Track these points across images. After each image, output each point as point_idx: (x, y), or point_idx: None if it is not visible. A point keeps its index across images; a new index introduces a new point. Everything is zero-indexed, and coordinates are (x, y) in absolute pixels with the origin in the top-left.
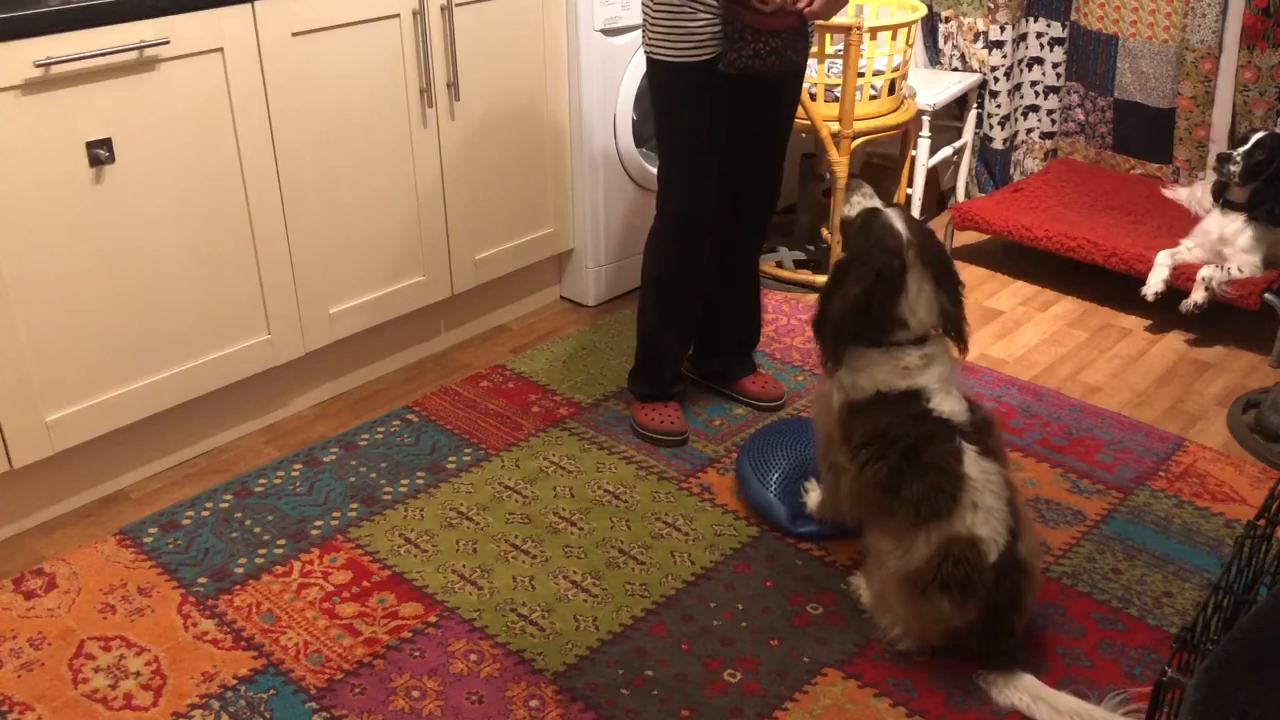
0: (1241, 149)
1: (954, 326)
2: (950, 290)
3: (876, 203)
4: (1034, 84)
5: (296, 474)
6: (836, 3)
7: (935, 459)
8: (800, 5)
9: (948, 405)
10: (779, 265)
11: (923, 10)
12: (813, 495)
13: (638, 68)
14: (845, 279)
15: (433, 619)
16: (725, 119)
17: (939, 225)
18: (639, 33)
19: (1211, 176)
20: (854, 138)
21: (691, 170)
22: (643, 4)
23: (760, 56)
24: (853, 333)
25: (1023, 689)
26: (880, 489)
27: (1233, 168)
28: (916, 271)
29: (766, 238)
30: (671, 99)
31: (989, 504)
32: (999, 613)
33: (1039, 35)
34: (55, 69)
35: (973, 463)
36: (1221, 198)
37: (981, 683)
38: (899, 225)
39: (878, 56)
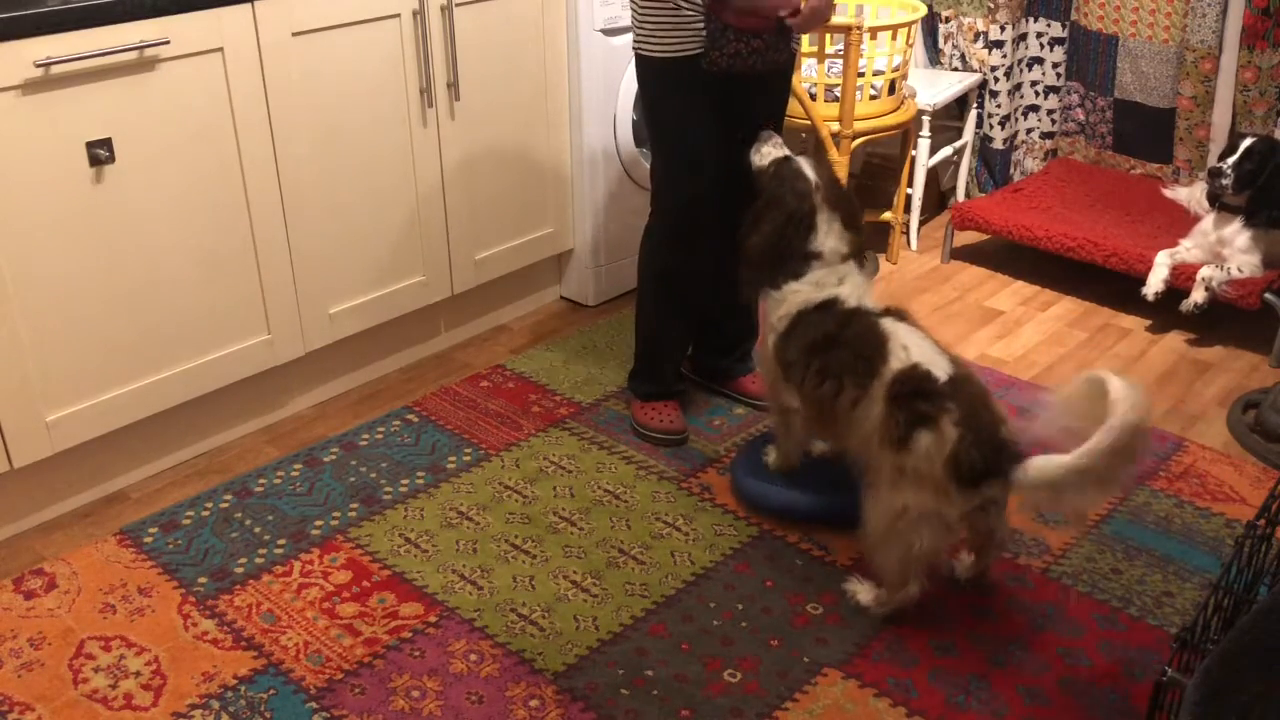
0: (1231, 159)
1: (859, 254)
2: (855, 230)
3: (786, 151)
4: (1034, 84)
5: (296, 474)
6: (820, 18)
7: (855, 331)
8: (784, 14)
9: (865, 301)
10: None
11: (923, 10)
12: (771, 454)
13: None
14: (762, 220)
15: (433, 619)
16: (713, 115)
17: (939, 225)
18: None
19: None
20: (854, 138)
21: (682, 165)
22: (630, 1)
23: (741, 56)
24: (772, 266)
25: (1032, 470)
26: (829, 379)
27: (1225, 181)
28: (825, 213)
29: None
30: (659, 94)
31: (917, 343)
32: (976, 413)
33: (1039, 35)
34: (55, 69)
35: (892, 324)
36: (1218, 201)
37: (1017, 477)
38: (808, 171)
39: (878, 56)
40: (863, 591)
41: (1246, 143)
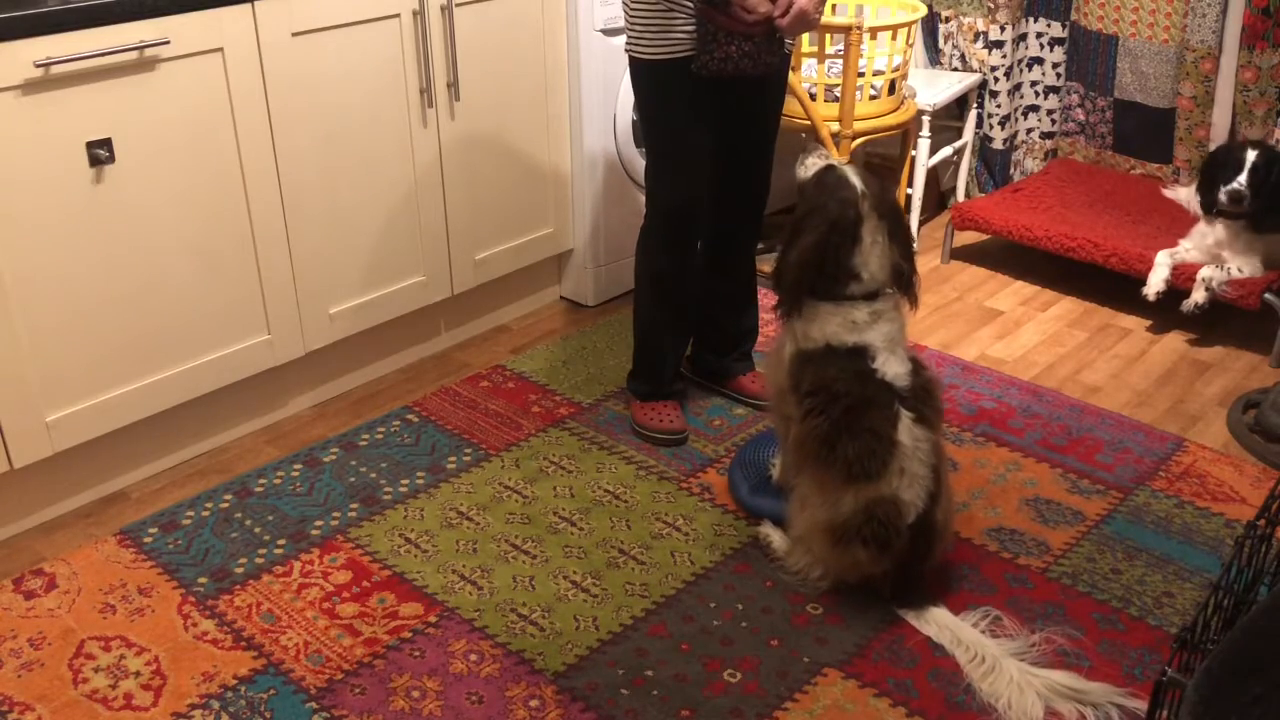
0: (1242, 179)
1: (905, 281)
2: (903, 244)
3: (831, 160)
4: (1034, 84)
5: (296, 474)
6: (808, 23)
7: (873, 423)
8: (776, 14)
9: (891, 367)
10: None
11: (923, 10)
12: (776, 467)
13: None
14: (801, 231)
15: (433, 619)
16: (707, 116)
17: (939, 225)
18: None
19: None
20: (854, 138)
21: (676, 167)
22: (623, 3)
23: (733, 59)
24: (810, 283)
25: (933, 621)
26: (819, 442)
27: (1245, 203)
28: (871, 223)
29: (760, 235)
30: (653, 97)
31: (915, 471)
32: (909, 564)
33: (1039, 35)
34: (55, 69)
35: (906, 430)
36: (1213, 209)
37: (901, 613)
38: (853, 179)
39: (878, 56)
40: (776, 539)
41: (1250, 159)
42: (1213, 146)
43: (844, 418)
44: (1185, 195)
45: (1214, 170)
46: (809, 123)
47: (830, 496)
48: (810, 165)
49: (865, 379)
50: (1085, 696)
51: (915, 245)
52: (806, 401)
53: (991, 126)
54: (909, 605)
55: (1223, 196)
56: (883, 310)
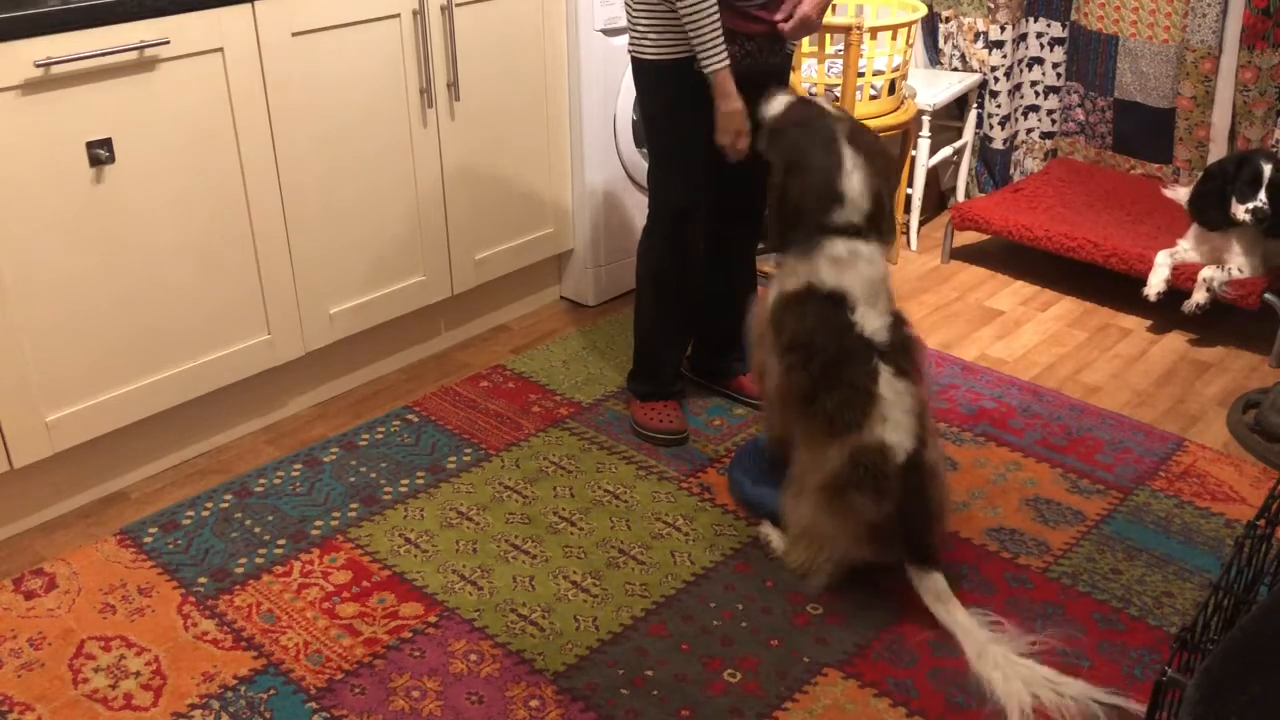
0: (1261, 197)
1: (882, 213)
2: (883, 176)
3: (798, 95)
4: (1034, 84)
5: (296, 474)
6: (810, 27)
7: (851, 377)
8: (778, 18)
9: (871, 322)
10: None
11: (923, 10)
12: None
13: None
14: (795, 165)
15: (433, 619)
16: (709, 116)
17: (939, 225)
18: None
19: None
20: None
21: (679, 168)
22: (625, 3)
23: (734, 59)
24: (812, 214)
25: (927, 588)
26: (800, 397)
27: (1266, 220)
28: (849, 151)
29: (760, 235)
30: (656, 97)
31: (898, 418)
32: (910, 507)
33: (1039, 35)
34: (55, 69)
35: (887, 383)
36: (1226, 223)
37: (909, 572)
38: (828, 106)
39: (878, 56)
40: (775, 539)
41: (1267, 172)
42: (1213, 147)
43: (823, 372)
44: (1185, 195)
45: (1222, 184)
46: None
47: (818, 455)
48: (780, 101)
49: (843, 333)
50: (1063, 688)
51: (897, 174)
52: (786, 358)
53: (991, 126)
54: (915, 561)
55: (1244, 215)
56: (860, 250)
